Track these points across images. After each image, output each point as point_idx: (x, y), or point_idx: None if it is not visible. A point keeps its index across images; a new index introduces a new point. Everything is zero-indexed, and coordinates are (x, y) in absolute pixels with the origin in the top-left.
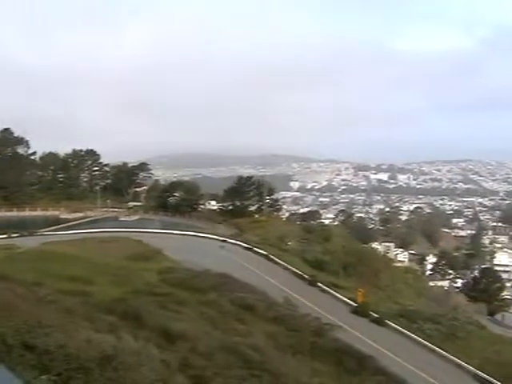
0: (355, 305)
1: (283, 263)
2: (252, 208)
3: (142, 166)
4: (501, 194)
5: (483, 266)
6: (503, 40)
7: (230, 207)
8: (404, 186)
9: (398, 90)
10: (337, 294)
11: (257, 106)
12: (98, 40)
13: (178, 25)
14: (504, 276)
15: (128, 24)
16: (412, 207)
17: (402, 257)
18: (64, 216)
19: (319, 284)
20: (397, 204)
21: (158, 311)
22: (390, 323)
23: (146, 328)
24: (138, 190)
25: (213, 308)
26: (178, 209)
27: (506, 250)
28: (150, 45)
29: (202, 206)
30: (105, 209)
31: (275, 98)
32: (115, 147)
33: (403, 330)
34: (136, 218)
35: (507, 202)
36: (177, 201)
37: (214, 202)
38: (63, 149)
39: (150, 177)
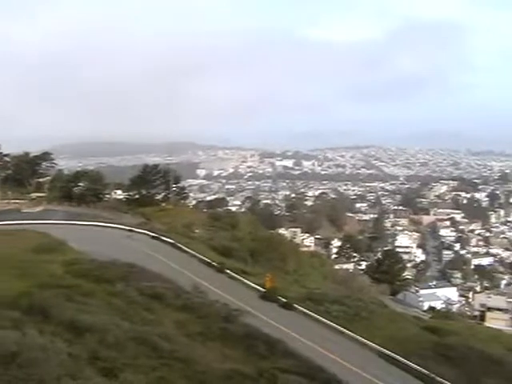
0: (263, 290)
1: (191, 251)
2: (158, 196)
3: (45, 156)
4: (401, 179)
5: (385, 249)
6: (410, 32)
7: (136, 196)
8: (309, 172)
9: (308, 79)
10: (245, 281)
11: (165, 95)
12: (5, 26)
13: (90, 13)
14: (405, 257)
15: (39, 11)
16: (317, 193)
17: (309, 241)
18: None
19: (227, 271)
20: (302, 190)
21: (65, 304)
22: (298, 307)
23: (52, 322)
24: (40, 180)
25: (121, 298)
26: (83, 199)
27: (406, 232)
28: (60, 32)
29: (107, 196)
30: (6, 201)
31: (183, 87)
32: (18, 136)
33: (310, 312)
34: (39, 209)
35: (407, 186)
36: (81, 191)
37: (119, 192)
38: None
39: (53, 166)
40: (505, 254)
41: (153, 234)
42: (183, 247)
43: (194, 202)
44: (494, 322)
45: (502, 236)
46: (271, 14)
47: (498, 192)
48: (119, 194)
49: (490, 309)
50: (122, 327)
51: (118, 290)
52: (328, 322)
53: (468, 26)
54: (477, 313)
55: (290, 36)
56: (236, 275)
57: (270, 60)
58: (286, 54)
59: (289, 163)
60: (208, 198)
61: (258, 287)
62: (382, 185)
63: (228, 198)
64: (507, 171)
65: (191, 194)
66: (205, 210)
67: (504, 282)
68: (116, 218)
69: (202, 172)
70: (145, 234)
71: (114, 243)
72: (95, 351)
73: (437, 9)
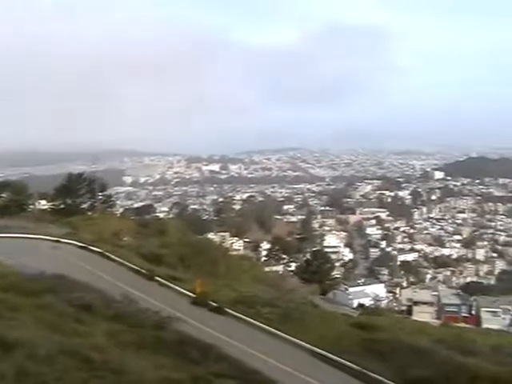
0: (194, 296)
1: (119, 259)
2: (85, 205)
3: None
4: (327, 180)
5: (314, 249)
6: (335, 35)
7: (62, 206)
8: (236, 175)
9: (234, 81)
10: (175, 287)
11: (90, 100)
12: None
13: (24, 11)
14: (333, 257)
15: None
16: (244, 196)
17: (238, 245)
18: None
19: (157, 278)
20: (230, 194)
21: None
22: (229, 311)
23: None
24: None
25: (50, 311)
26: (6, 210)
27: (334, 232)
28: None
29: (31, 206)
30: None
31: (110, 92)
32: None
33: (242, 316)
34: None
35: (333, 186)
36: (4, 202)
37: (44, 202)
38: None
39: None
40: (428, 249)
41: (80, 244)
42: (111, 256)
43: (121, 210)
44: (421, 315)
45: (425, 232)
46: (199, 17)
47: (420, 190)
48: (44, 205)
49: (416, 303)
50: (52, 340)
51: (46, 302)
52: (260, 324)
53: (389, 30)
54: (404, 307)
55: (216, 39)
56: (166, 282)
57: (197, 64)
58: (213, 57)
59: (215, 167)
60: (135, 205)
61: (189, 293)
62: (309, 186)
63: (155, 205)
64: (428, 169)
65: (118, 202)
66: (132, 218)
67: (428, 276)
68: (42, 228)
69: (128, 179)
70: (72, 244)
71: (40, 255)
72: (23, 367)
73: (359, 13)
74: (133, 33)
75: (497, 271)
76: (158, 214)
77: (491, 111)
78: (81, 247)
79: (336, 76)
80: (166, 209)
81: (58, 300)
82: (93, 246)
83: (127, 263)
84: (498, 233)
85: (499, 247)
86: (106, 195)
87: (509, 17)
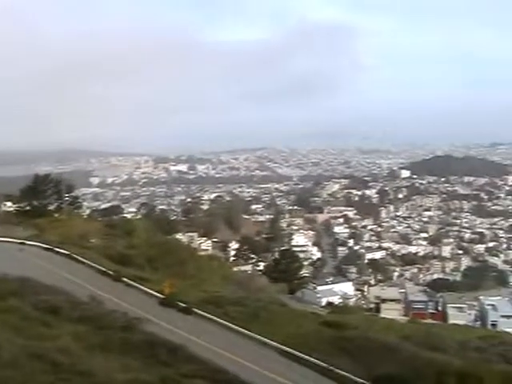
0: (162, 296)
1: (87, 261)
2: (51, 207)
3: None
4: (294, 179)
5: (282, 248)
6: (304, 34)
7: (28, 208)
8: (204, 175)
9: (203, 80)
10: (143, 288)
11: (56, 100)
12: None
13: None
14: (302, 256)
15: None
16: (212, 196)
17: (206, 245)
18: None
19: (125, 279)
20: (197, 194)
21: None
22: (198, 311)
23: None
24: None
25: (14, 314)
26: None
27: (302, 231)
28: None
29: None
30: None
31: (76, 91)
32: None
33: (210, 316)
34: None
35: (300, 186)
36: None
37: (9, 203)
38: None
39: None
40: (395, 247)
41: (46, 246)
42: (78, 258)
43: (88, 211)
44: (389, 312)
45: (392, 230)
46: (168, 15)
47: (386, 188)
48: (9, 206)
49: (384, 300)
50: (18, 344)
51: (10, 305)
52: (228, 323)
53: (358, 29)
54: (372, 305)
55: (187, 37)
56: (134, 283)
57: (166, 63)
58: (183, 55)
59: (183, 168)
60: (103, 206)
61: (157, 294)
62: (277, 186)
63: (123, 206)
64: (395, 168)
65: (85, 203)
66: (100, 219)
67: (396, 273)
68: (7, 231)
69: (95, 180)
70: (38, 246)
71: (5, 257)
72: None
73: (329, 12)
74: (103, 31)
75: (462, 268)
76: (125, 215)
77: (457, 111)
78: (47, 249)
79: (304, 75)
80: (133, 209)
81: (23, 303)
82: (59, 247)
83: (94, 265)
84: (464, 230)
85: (465, 244)
86: (73, 196)
87: (473, 18)
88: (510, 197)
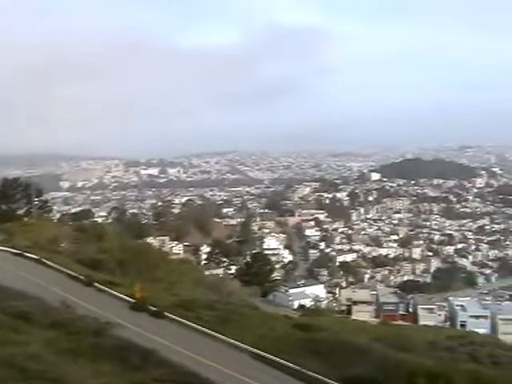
0: (133, 301)
1: (56, 266)
2: (21, 211)
3: None
4: (265, 182)
5: (254, 251)
6: (274, 38)
7: None
8: (175, 179)
9: (174, 84)
10: (114, 292)
11: (24, 101)
12: None
13: None
14: (273, 259)
15: None
16: (183, 200)
17: (178, 249)
18: None
19: (95, 284)
20: (168, 198)
21: None
22: (169, 315)
23: None
24: None
25: None
26: None
27: (273, 234)
28: None
29: None
30: None
31: (45, 93)
32: None
33: (182, 319)
34: None
35: (271, 189)
36: None
37: None
38: None
39: None
40: (366, 249)
41: (15, 251)
42: (48, 262)
43: (58, 216)
44: (360, 314)
45: (363, 233)
46: (138, 17)
47: (357, 191)
48: None
49: (355, 302)
50: None
51: None
52: (199, 327)
53: (327, 32)
54: (344, 307)
55: (155, 41)
56: (104, 287)
57: (136, 66)
58: (152, 59)
59: (154, 171)
60: (73, 211)
61: (128, 298)
62: (248, 189)
63: (93, 210)
64: (365, 171)
65: (55, 207)
66: (70, 223)
67: (367, 276)
68: None
69: (65, 184)
70: (6, 251)
71: None
72: None
73: (298, 15)
74: (70, 32)
75: (432, 269)
76: (96, 219)
77: (427, 114)
78: (16, 254)
79: (274, 78)
80: (104, 214)
81: None
82: (29, 252)
83: (65, 269)
84: (433, 232)
85: (434, 246)
86: (43, 200)
87: (445, 22)
88: (478, 199)
